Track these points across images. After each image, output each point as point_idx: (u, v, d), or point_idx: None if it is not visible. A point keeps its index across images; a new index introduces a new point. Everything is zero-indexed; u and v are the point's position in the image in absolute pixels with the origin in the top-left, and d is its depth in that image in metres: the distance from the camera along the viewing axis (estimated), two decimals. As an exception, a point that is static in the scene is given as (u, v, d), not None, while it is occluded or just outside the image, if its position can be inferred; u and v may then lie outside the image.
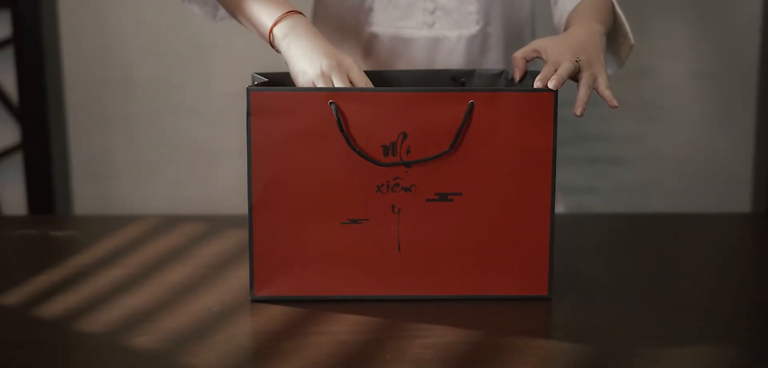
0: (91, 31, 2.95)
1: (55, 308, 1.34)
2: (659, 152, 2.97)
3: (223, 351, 1.18)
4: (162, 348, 1.20)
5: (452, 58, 1.73)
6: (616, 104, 1.33)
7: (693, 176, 2.98)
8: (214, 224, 1.77)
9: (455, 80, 1.40)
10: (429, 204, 1.28)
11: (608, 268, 1.51)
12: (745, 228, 1.91)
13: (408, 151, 1.27)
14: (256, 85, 1.30)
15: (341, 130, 1.26)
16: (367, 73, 1.40)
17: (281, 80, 1.38)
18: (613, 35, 1.66)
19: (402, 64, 1.74)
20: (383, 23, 1.73)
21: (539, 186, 1.28)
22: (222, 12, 1.71)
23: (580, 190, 2.96)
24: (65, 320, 1.30)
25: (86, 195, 3.07)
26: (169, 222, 1.80)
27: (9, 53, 2.94)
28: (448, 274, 1.30)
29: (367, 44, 1.75)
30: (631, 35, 1.65)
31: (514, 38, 1.78)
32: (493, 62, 1.75)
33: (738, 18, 2.89)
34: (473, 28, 1.72)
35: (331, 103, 1.26)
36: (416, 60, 1.73)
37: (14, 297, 1.39)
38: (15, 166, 3.02)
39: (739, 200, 2.99)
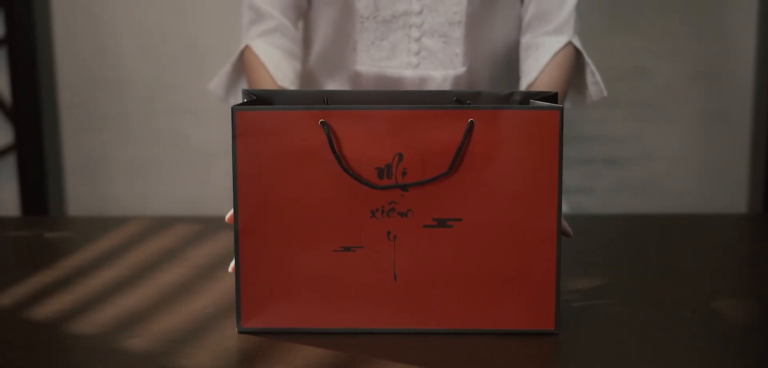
0: (84, 31, 2.88)
1: (48, 309, 1.30)
2: (655, 152, 2.90)
3: (217, 353, 1.14)
4: (155, 349, 1.16)
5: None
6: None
7: (689, 176, 2.91)
8: (208, 225, 1.73)
9: (460, 102, 1.27)
10: (427, 230, 1.16)
11: (606, 273, 1.44)
12: (742, 228, 1.85)
13: (404, 174, 1.14)
14: (242, 104, 1.17)
15: (333, 150, 1.13)
16: (366, 93, 1.28)
17: (270, 98, 1.25)
18: (580, 80, 1.68)
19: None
20: (367, 62, 1.66)
21: (544, 211, 1.15)
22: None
23: (576, 191, 2.88)
24: (58, 321, 1.26)
25: (80, 196, 3.00)
26: (162, 223, 1.77)
27: (2, 53, 2.87)
28: (448, 306, 1.17)
29: (353, 80, 1.68)
30: (602, 86, 1.66)
31: (503, 73, 1.72)
32: (481, 98, 1.67)
33: (734, 18, 2.82)
34: (460, 69, 1.64)
35: (322, 122, 1.13)
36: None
37: (7, 298, 1.35)
38: (8, 167, 2.94)
39: (736, 200, 2.92)
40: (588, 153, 2.88)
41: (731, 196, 2.91)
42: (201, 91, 2.86)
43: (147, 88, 2.90)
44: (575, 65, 1.65)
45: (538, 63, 1.61)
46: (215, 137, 2.87)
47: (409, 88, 1.65)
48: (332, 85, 1.74)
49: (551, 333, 1.18)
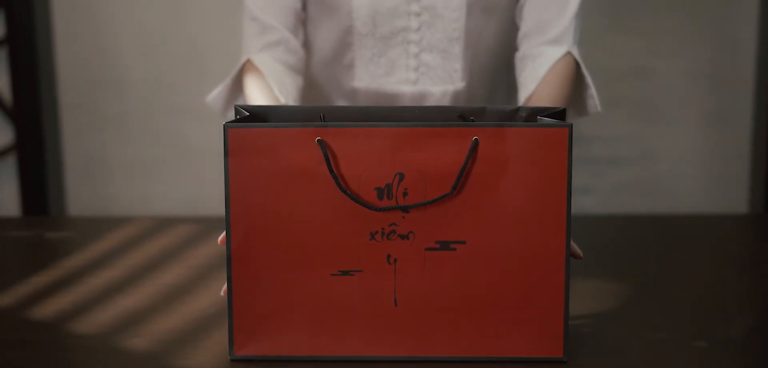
0: (85, 31, 2.80)
1: (49, 309, 1.29)
2: (656, 152, 2.82)
3: (218, 353, 1.12)
4: (156, 349, 1.14)
5: None
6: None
7: (690, 176, 2.84)
8: (209, 225, 1.72)
9: (463, 118, 1.18)
10: (429, 253, 1.07)
11: (610, 279, 1.40)
12: (742, 228, 1.83)
13: (405, 194, 1.06)
14: (235, 121, 1.08)
15: (330, 170, 1.04)
16: (366, 108, 1.18)
17: (264, 114, 1.16)
18: (577, 93, 1.60)
19: None
20: (365, 79, 1.59)
21: (552, 234, 1.06)
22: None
23: (577, 191, 2.79)
24: (59, 321, 1.24)
25: (80, 197, 2.92)
26: (163, 224, 1.76)
27: (3, 53, 2.79)
28: (451, 333, 1.08)
29: (350, 97, 1.61)
30: (597, 101, 1.57)
31: (503, 87, 1.65)
32: (486, 114, 1.59)
33: (735, 18, 2.74)
34: (459, 85, 1.57)
35: (318, 140, 1.04)
36: None
37: (8, 298, 1.33)
38: (9, 167, 2.86)
39: (737, 200, 2.84)
40: (589, 153, 2.81)
41: (732, 196, 2.84)
42: (201, 91, 2.78)
43: (147, 88, 2.82)
44: (573, 76, 1.56)
45: (536, 74, 1.51)
46: (215, 137, 2.78)
47: (408, 102, 1.58)
48: (328, 100, 1.66)
49: (559, 361, 1.09)
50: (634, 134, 2.80)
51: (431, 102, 1.57)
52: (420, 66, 1.56)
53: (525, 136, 1.05)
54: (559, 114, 1.14)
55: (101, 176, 2.89)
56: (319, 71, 1.64)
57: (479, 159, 1.05)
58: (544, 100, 1.47)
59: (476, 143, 1.04)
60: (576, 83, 1.58)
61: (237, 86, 1.61)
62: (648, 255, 1.56)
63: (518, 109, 1.17)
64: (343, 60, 1.60)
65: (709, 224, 1.83)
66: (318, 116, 1.17)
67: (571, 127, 1.05)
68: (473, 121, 1.13)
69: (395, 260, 1.07)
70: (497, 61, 1.61)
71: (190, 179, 2.88)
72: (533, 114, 1.16)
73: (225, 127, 1.05)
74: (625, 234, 1.72)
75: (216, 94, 1.63)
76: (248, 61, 1.56)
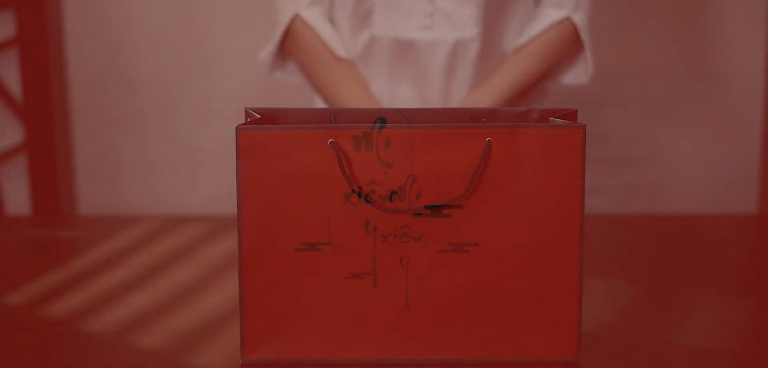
0: (95, 30, 2.80)
1: (60, 308, 1.28)
2: (666, 152, 2.81)
3: (229, 353, 1.11)
4: (168, 348, 1.14)
5: (450, 62, 1.60)
6: None
7: (699, 176, 2.82)
8: (220, 224, 1.72)
9: (474, 120, 1.17)
10: (441, 255, 1.06)
11: (620, 280, 1.39)
12: (752, 228, 1.82)
13: (418, 196, 1.04)
14: (247, 123, 1.07)
15: (343, 172, 1.03)
16: (377, 110, 1.18)
17: (275, 116, 1.15)
18: (571, 58, 1.66)
19: (400, 67, 1.61)
20: (384, 25, 1.61)
21: (566, 236, 1.05)
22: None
23: (587, 191, 2.76)
24: (70, 320, 1.24)
25: (91, 195, 2.92)
26: (174, 223, 1.76)
27: (13, 53, 2.78)
28: (463, 335, 1.07)
29: (367, 48, 1.63)
30: (589, 71, 1.64)
31: (514, 38, 1.67)
32: (492, 69, 1.62)
33: (743, 18, 2.73)
34: (471, 31, 1.59)
35: (330, 142, 1.03)
36: (414, 63, 1.61)
37: (19, 296, 1.33)
38: (19, 166, 2.86)
39: (746, 200, 2.83)
40: (598, 152, 2.79)
41: (742, 196, 2.82)
42: (212, 90, 2.79)
43: (158, 87, 2.82)
44: (569, 43, 1.62)
45: (531, 31, 1.60)
46: (226, 136, 2.76)
47: (422, 51, 1.61)
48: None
49: (572, 363, 1.08)
50: (644, 134, 2.79)
51: (443, 50, 1.60)
52: (435, 12, 1.58)
53: (538, 138, 1.04)
54: (570, 115, 1.12)
55: (112, 175, 2.89)
56: (337, 23, 1.69)
57: (492, 160, 1.04)
58: (523, 58, 1.56)
59: (489, 145, 1.03)
60: (574, 50, 1.64)
61: (284, 43, 1.68)
62: (658, 255, 1.56)
63: (529, 110, 1.16)
64: (361, 6, 1.62)
65: (718, 224, 1.83)
66: (329, 118, 1.16)
67: (584, 127, 1.04)
68: (484, 122, 1.12)
69: (408, 262, 1.06)
70: (509, 11, 1.64)
71: (201, 179, 2.87)
72: (545, 115, 1.15)
73: (237, 129, 1.04)
74: (636, 234, 1.71)
75: (269, 50, 1.69)
76: (297, 17, 1.63)
